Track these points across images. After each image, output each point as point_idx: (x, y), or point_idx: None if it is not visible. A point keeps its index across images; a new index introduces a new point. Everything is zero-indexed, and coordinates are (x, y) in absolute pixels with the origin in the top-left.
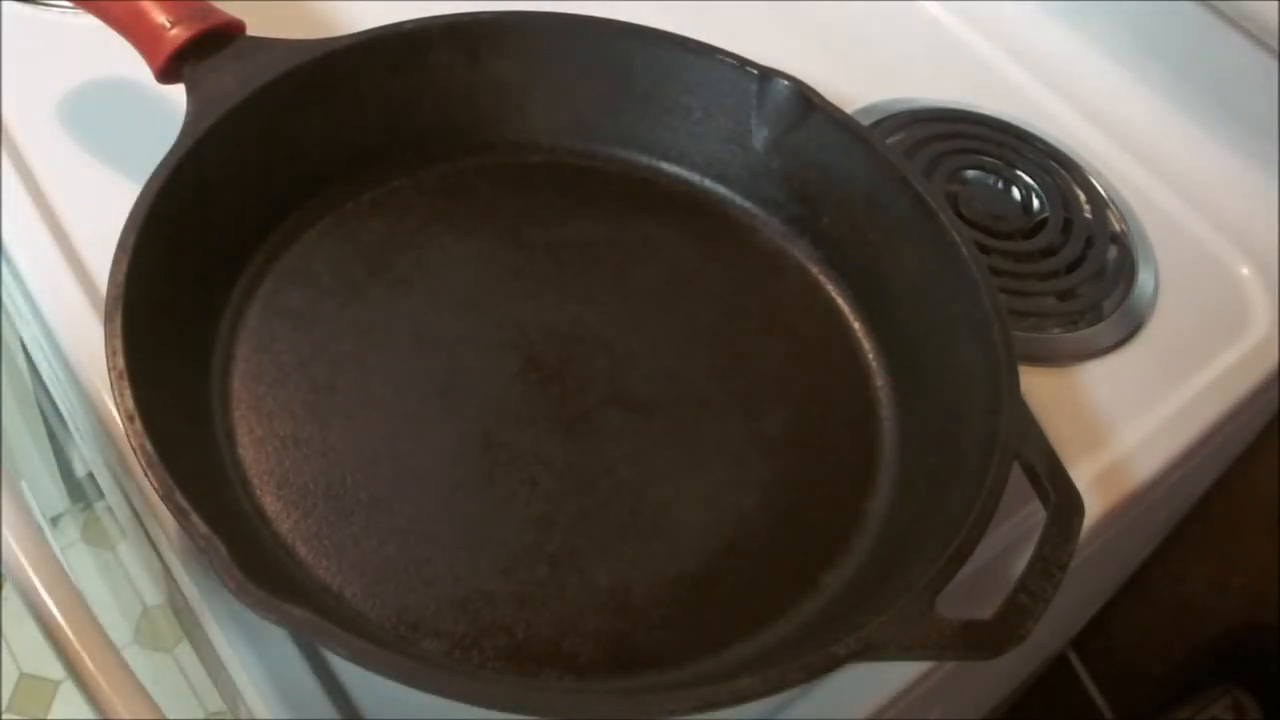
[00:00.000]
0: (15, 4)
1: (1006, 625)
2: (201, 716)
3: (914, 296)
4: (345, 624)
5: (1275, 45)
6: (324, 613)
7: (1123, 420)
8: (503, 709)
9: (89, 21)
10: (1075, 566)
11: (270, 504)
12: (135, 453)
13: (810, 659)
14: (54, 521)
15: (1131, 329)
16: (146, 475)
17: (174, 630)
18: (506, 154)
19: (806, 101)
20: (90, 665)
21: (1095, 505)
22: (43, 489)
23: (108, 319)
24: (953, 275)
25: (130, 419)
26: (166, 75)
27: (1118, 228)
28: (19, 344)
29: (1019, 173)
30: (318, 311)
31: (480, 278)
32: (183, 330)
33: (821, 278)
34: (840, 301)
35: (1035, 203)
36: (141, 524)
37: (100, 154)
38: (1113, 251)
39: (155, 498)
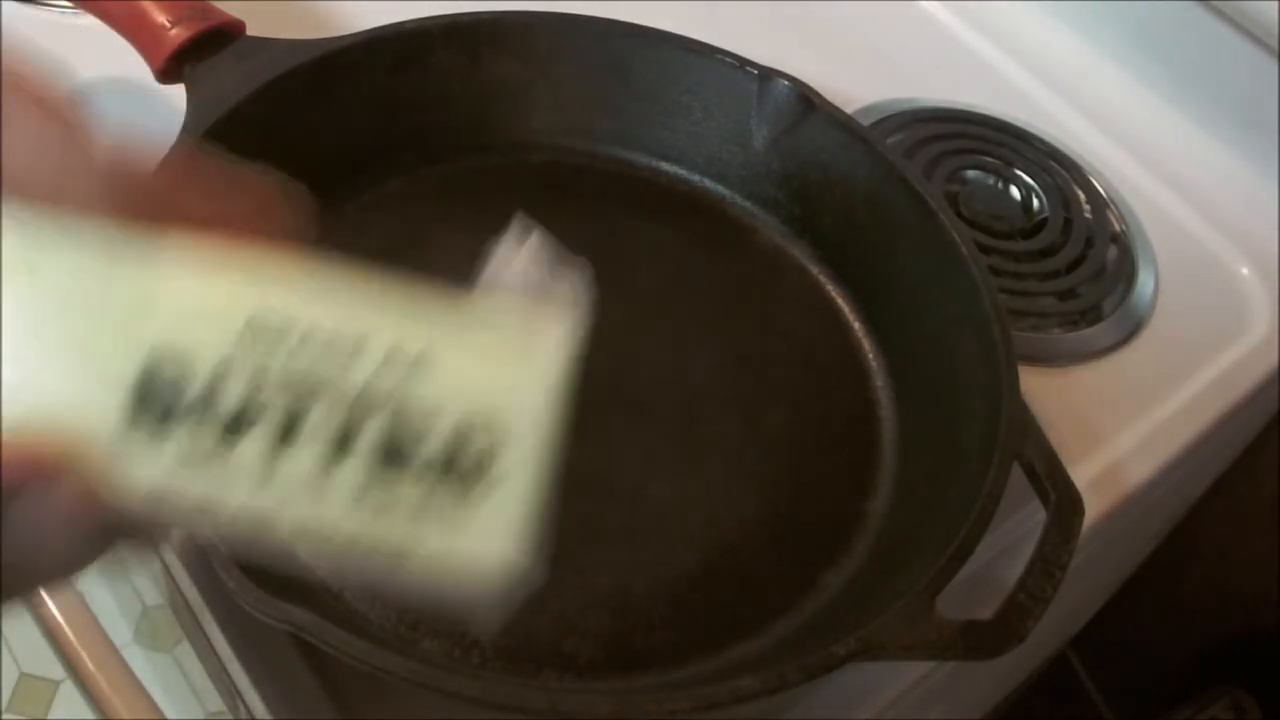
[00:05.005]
0: (15, 4)
1: (1006, 625)
2: (201, 716)
3: (914, 296)
4: (345, 624)
5: (1275, 45)
6: (324, 613)
7: (1123, 420)
8: (503, 709)
9: (89, 21)
10: (1075, 566)
11: None
12: None
13: (810, 659)
14: None
15: (1131, 329)
16: None
17: (174, 630)
18: (506, 154)
19: (806, 101)
20: (90, 665)
21: (1095, 505)
22: None
23: None
24: (952, 275)
25: None
26: (166, 75)
27: (1118, 228)
28: None
29: (1019, 173)
30: None
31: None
32: None
33: (821, 278)
34: (840, 301)
35: (1035, 203)
36: None
37: None
38: (1113, 251)
39: None
